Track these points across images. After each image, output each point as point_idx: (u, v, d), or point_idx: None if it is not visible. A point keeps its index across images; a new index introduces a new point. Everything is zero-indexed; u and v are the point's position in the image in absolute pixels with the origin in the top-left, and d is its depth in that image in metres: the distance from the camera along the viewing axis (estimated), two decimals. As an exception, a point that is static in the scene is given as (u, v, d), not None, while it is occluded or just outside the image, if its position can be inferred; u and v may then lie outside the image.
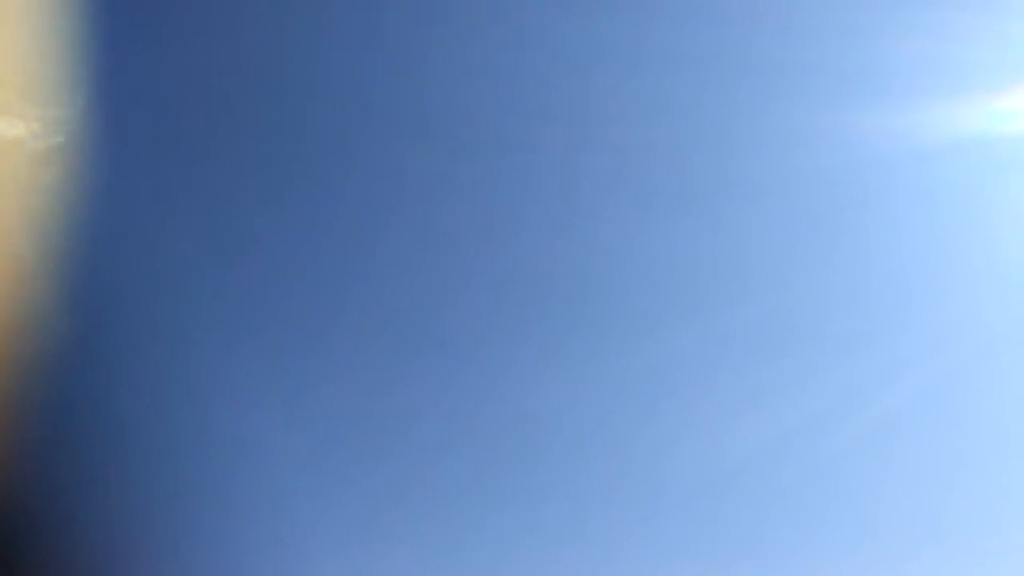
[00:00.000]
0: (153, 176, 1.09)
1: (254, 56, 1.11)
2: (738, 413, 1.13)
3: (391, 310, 1.14)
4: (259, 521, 1.06)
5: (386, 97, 1.14)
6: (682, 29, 1.12)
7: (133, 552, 1.01)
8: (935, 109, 1.15)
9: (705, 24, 1.13)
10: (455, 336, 1.15)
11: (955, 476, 1.16)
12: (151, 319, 1.06)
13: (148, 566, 1.02)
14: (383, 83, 1.14)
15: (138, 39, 1.11)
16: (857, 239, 1.17)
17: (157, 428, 1.05)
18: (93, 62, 1.06)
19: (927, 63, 1.15)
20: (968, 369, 1.17)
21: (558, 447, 1.15)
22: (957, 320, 1.18)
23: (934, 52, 1.15)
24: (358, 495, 1.11)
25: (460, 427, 1.14)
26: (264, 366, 1.09)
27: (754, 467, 1.12)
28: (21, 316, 1.00)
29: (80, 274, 1.03)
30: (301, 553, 1.07)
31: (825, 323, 1.16)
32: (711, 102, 1.14)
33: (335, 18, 1.13)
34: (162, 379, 1.06)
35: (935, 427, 1.17)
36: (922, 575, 1.14)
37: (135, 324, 1.06)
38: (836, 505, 1.15)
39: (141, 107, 1.10)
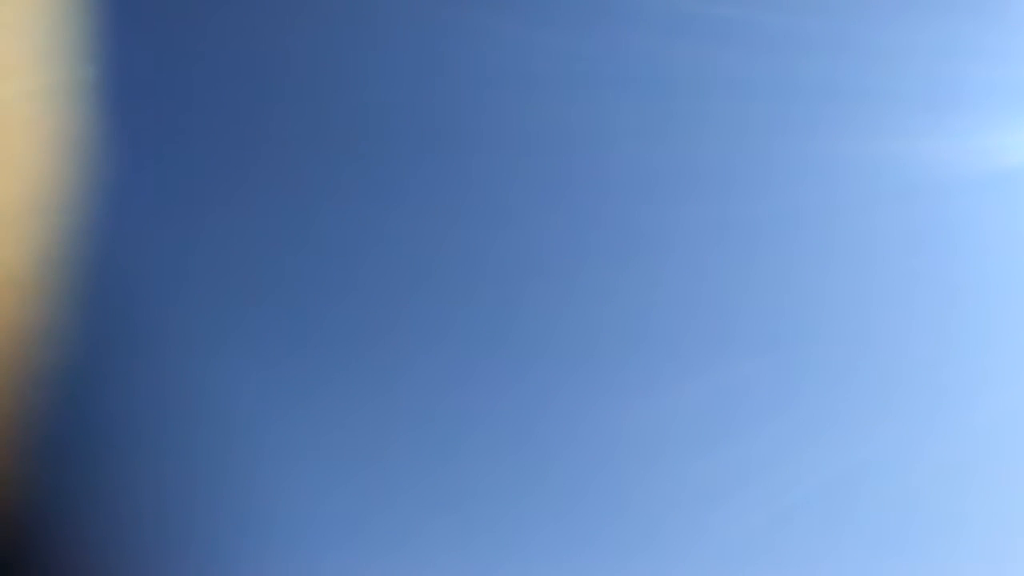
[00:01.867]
0: (159, 178, 1.09)
1: (265, 60, 1.10)
2: (751, 475, 1.11)
3: (395, 313, 1.14)
4: (260, 522, 1.08)
5: (402, 103, 1.12)
6: (725, 55, 1.09)
7: (134, 552, 1.04)
8: (991, 135, 1.10)
9: (747, 50, 1.09)
10: (458, 339, 1.15)
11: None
12: (154, 320, 1.08)
13: (149, 566, 1.05)
14: (391, 86, 1.13)
15: (150, 39, 1.10)
16: (905, 268, 1.13)
17: (160, 429, 1.06)
18: (103, 62, 1.06)
19: (985, 87, 1.10)
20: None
21: (558, 450, 1.15)
22: (1008, 358, 1.13)
23: (992, 75, 1.10)
24: (360, 495, 1.12)
25: (461, 429, 1.15)
26: (267, 369, 1.10)
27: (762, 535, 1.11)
28: (27, 318, 1.02)
29: (85, 276, 1.04)
30: (301, 553, 1.09)
31: (866, 361, 1.12)
32: (750, 129, 1.11)
33: (347, 20, 1.11)
34: (164, 380, 1.07)
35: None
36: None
37: (138, 324, 1.07)
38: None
39: (149, 109, 1.10)
